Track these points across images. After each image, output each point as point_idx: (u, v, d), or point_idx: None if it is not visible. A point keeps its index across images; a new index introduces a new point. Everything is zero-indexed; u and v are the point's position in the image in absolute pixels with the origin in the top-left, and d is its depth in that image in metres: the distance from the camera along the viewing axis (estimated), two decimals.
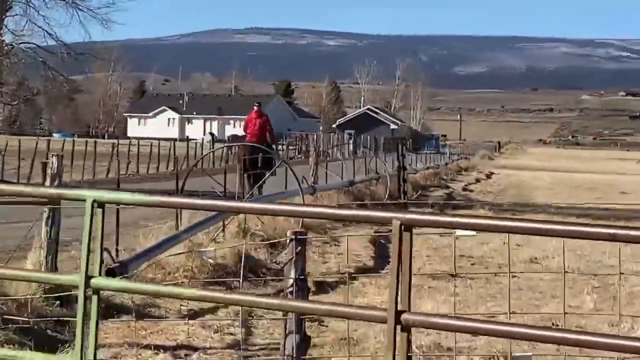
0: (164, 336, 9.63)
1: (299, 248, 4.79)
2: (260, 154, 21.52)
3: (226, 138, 73.60)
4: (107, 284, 3.71)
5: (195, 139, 57.30)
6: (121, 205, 13.26)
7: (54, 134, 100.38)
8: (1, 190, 4.17)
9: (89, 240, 3.58)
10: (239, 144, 22.49)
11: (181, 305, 11.16)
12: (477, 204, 27.62)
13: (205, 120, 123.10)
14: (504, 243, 18.73)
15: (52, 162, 10.40)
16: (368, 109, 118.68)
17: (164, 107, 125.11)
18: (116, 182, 33.79)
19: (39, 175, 33.78)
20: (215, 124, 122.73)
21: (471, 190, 39.05)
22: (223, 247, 13.95)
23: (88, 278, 3.59)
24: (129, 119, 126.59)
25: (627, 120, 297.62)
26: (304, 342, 4.83)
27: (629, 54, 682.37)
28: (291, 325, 4.73)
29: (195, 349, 9.27)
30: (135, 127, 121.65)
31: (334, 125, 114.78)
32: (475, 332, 3.38)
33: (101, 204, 3.61)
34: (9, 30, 29.86)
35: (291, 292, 4.61)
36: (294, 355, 4.73)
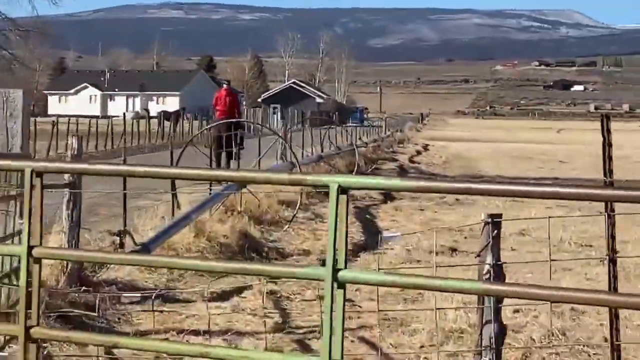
0: (203, 321, 9.29)
1: (495, 232, 4.53)
2: (239, 130, 21.70)
3: (156, 115, 72.48)
4: (354, 276, 3.40)
5: (118, 116, 56.22)
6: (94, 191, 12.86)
7: None
8: (243, 177, 3.82)
9: (335, 229, 3.28)
10: (220, 122, 22.56)
11: (201, 287, 10.82)
12: (435, 177, 27.47)
13: (127, 97, 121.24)
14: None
15: (72, 143, 9.98)
16: (293, 82, 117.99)
17: (85, 84, 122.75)
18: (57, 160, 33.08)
19: None
20: (137, 100, 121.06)
21: (418, 163, 39.10)
22: (225, 226, 13.62)
23: (336, 271, 3.30)
24: (49, 96, 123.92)
25: (541, 90, 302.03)
26: (502, 331, 4.58)
27: (539, 24, 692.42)
28: (488, 314, 4.48)
29: (242, 334, 8.97)
30: (56, 105, 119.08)
31: (259, 100, 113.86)
32: None
33: (345, 190, 3.33)
34: None
35: (487, 279, 4.34)
36: (493, 346, 4.49)
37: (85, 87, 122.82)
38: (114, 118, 51.36)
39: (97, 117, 58.67)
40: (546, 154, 49.28)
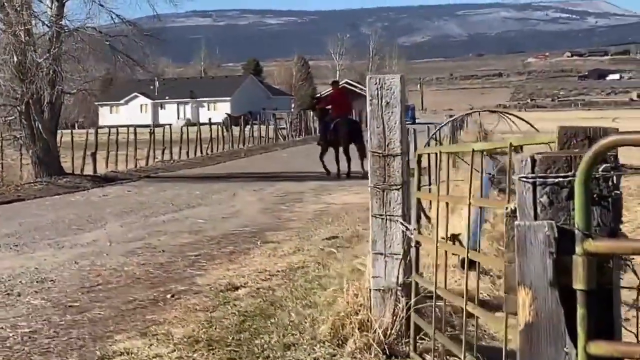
0: None
1: None
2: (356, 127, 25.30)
3: (221, 119, 72.02)
4: None
5: (170, 124, 55.54)
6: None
7: None
8: None
9: None
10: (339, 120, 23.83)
11: None
12: None
13: (178, 104, 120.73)
14: None
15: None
16: (346, 82, 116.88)
17: (135, 94, 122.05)
18: (159, 169, 32.23)
19: (89, 164, 31.21)
20: (188, 107, 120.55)
21: None
22: None
23: None
24: (99, 107, 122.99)
25: (576, 80, 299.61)
26: None
27: (568, 15, 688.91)
28: None
29: None
30: (107, 116, 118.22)
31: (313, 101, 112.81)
32: None
33: None
34: (61, 15, 27.89)
35: None
36: None
37: (136, 97, 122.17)
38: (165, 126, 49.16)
39: (149, 126, 57.44)
40: None
